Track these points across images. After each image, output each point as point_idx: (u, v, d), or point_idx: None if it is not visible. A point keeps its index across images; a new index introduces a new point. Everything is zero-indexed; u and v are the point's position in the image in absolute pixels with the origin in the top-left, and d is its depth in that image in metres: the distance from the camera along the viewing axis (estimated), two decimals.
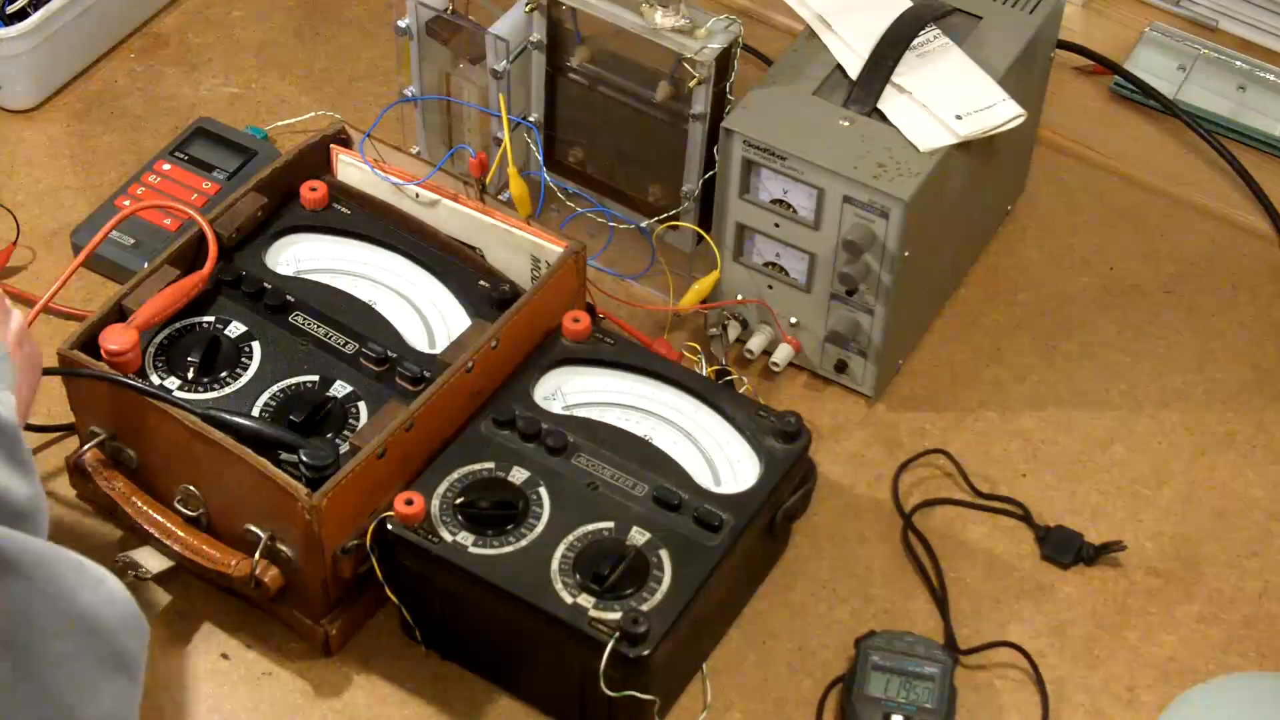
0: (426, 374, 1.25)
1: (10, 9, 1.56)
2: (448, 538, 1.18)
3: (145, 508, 1.24)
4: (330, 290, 1.32)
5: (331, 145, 1.38)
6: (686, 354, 1.39)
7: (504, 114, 1.38)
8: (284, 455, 1.20)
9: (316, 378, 1.26)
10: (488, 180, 1.36)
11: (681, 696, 1.23)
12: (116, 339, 1.23)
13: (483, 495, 1.20)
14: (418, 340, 1.30)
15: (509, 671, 1.23)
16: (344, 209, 1.37)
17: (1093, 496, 1.36)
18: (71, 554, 0.90)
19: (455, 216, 1.35)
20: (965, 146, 1.32)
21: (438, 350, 1.28)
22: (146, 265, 1.30)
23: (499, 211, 1.34)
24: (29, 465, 0.88)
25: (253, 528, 1.20)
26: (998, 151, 1.39)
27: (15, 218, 1.48)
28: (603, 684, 1.13)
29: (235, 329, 1.28)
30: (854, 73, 1.34)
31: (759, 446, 1.25)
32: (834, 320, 1.37)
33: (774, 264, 1.37)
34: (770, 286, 1.38)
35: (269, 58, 1.64)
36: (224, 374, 1.26)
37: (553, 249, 1.31)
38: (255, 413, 1.24)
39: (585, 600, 1.15)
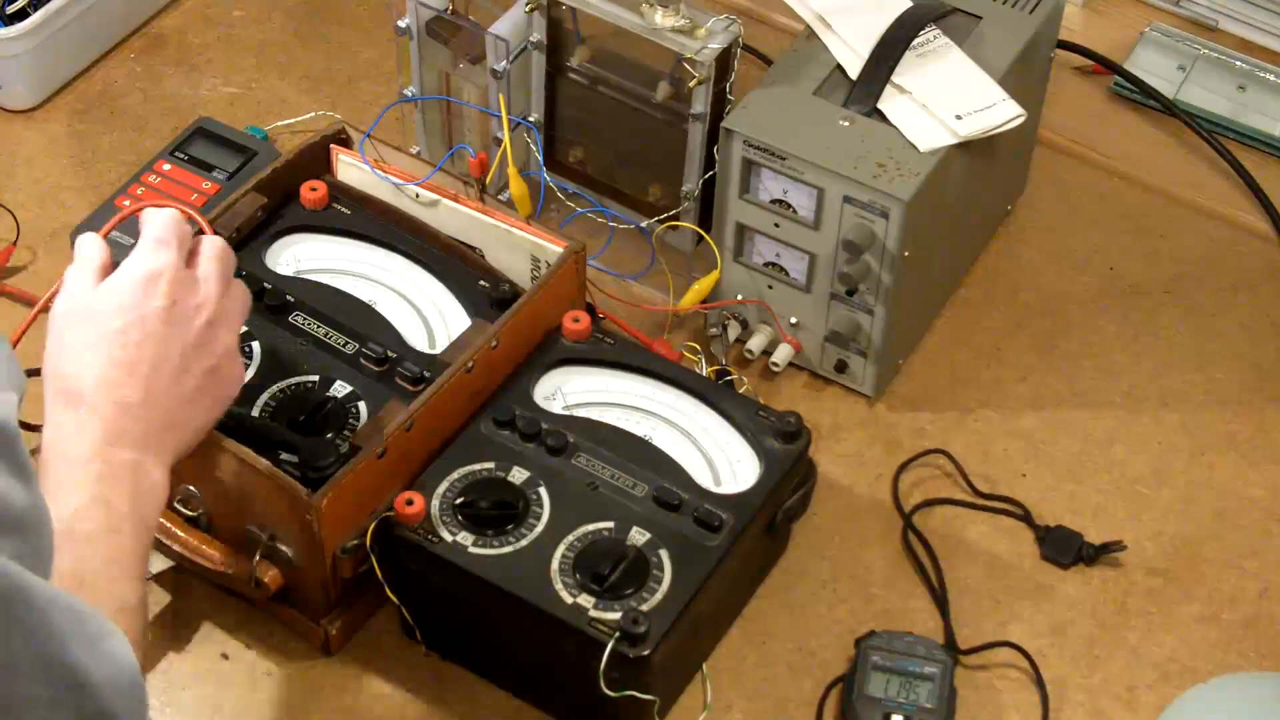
0: (426, 374, 1.25)
1: (10, 9, 1.56)
2: (448, 538, 1.18)
3: None
4: (330, 290, 1.32)
5: (331, 145, 1.38)
6: (686, 354, 1.39)
7: (504, 114, 1.38)
8: (284, 455, 1.20)
9: (316, 378, 1.26)
10: (488, 180, 1.36)
11: (681, 696, 1.23)
12: None
13: (483, 495, 1.20)
14: (418, 340, 1.30)
15: (509, 671, 1.23)
16: (344, 209, 1.37)
17: (1093, 496, 1.36)
18: (77, 603, 0.86)
19: (455, 216, 1.35)
20: (965, 146, 1.32)
21: (438, 350, 1.28)
22: None
23: (499, 211, 1.34)
24: (29, 471, 0.85)
25: (253, 528, 1.20)
26: (998, 151, 1.38)
27: (15, 218, 1.48)
28: (603, 684, 1.13)
29: None
30: (854, 73, 1.34)
31: (759, 446, 1.25)
32: (834, 320, 1.37)
33: (774, 264, 1.37)
34: (770, 286, 1.38)
35: (269, 58, 1.64)
36: None
37: (553, 249, 1.31)
38: (255, 413, 1.24)
39: (585, 600, 1.15)
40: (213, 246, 1.15)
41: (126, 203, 1.48)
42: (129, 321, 1.09)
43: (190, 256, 1.14)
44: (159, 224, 1.13)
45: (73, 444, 1.05)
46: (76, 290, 1.12)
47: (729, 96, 1.35)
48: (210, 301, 1.12)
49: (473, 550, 1.18)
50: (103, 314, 1.09)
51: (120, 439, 1.06)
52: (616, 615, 1.14)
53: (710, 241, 1.38)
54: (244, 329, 1.27)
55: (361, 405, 1.24)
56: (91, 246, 1.14)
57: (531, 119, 1.44)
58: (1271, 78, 1.63)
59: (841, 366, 1.39)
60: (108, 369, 1.07)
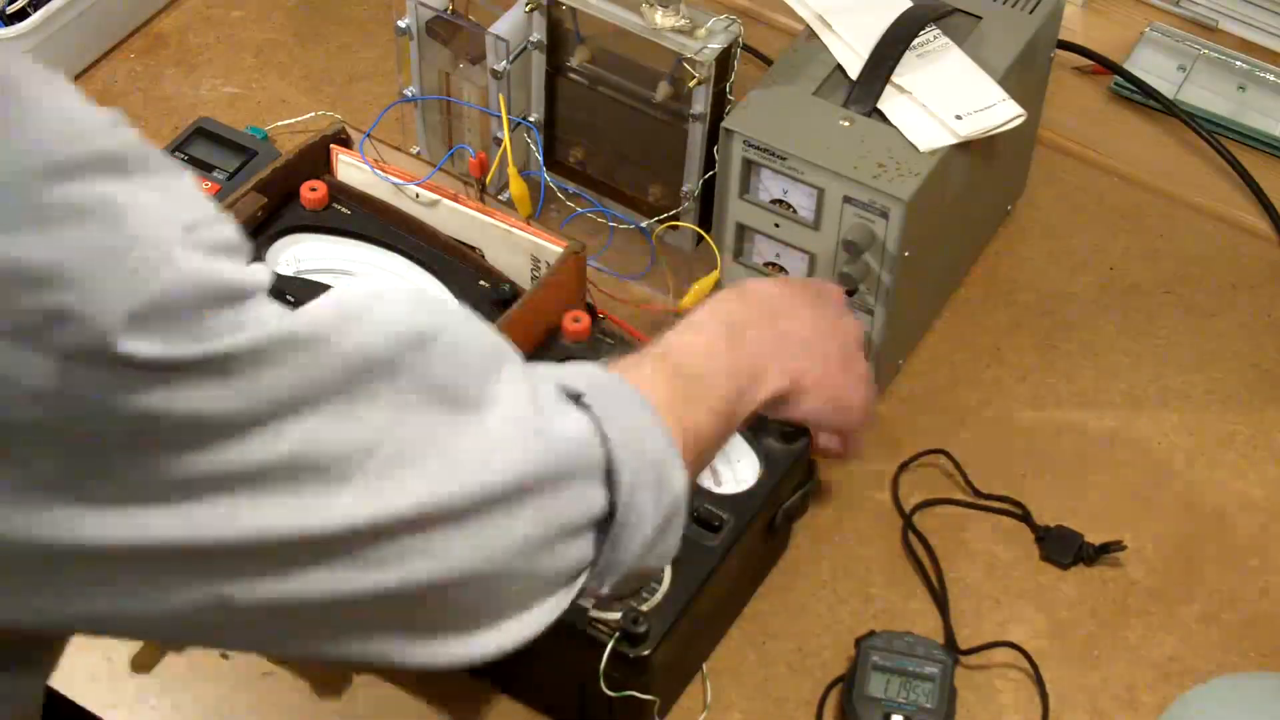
0: None
1: (10, 9, 1.56)
2: None
3: None
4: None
5: (331, 145, 1.38)
6: None
7: (504, 114, 1.38)
8: None
9: None
10: (488, 180, 1.36)
11: (681, 696, 1.23)
12: None
13: None
14: None
15: (508, 671, 1.23)
16: (344, 209, 1.37)
17: (1093, 496, 1.35)
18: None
19: (455, 216, 1.35)
20: (965, 146, 1.32)
21: None
22: None
23: (499, 211, 1.34)
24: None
25: None
26: (998, 151, 1.38)
27: None
28: (603, 684, 1.13)
29: None
30: (854, 73, 1.34)
31: (759, 446, 1.25)
32: None
33: (774, 264, 1.37)
34: None
35: (269, 58, 1.64)
36: None
37: (553, 249, 1.31)
38: None
39: (585, 600, 1.15)
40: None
41: None
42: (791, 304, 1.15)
43: None
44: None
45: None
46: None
47: (729, 96, 1.35)
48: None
49: None
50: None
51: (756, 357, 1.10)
52: (616, 615, 1.14)
53: (710, 241, 1.38)
54: None
55: None
56: None
57: (531, 119, 1.44)
58: (1271, 78, 1.63)
59: None
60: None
